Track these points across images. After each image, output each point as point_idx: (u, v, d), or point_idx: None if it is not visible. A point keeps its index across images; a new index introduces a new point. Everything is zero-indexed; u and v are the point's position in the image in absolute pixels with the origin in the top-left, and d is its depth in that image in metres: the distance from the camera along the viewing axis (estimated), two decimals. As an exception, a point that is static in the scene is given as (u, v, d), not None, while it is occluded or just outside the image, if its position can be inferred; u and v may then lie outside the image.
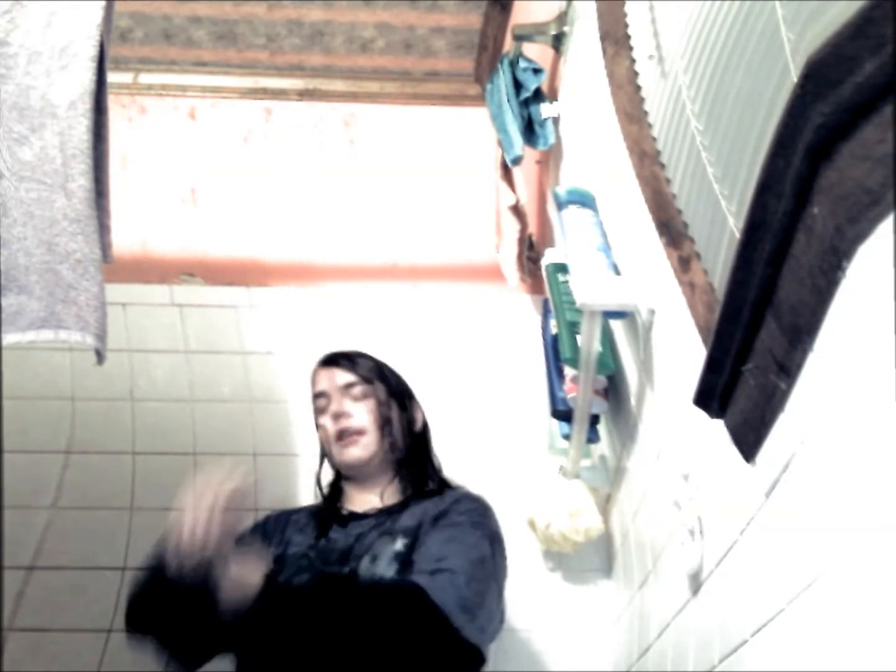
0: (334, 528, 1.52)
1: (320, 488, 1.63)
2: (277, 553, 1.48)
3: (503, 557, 1.47)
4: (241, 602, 1.24)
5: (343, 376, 1.58)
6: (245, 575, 1.25)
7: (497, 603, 1.41)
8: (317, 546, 1.49)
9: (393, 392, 1.59)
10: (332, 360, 1.61)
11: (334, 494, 1.61)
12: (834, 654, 0.75)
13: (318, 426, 1.60)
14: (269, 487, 1.88)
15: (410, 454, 1.59)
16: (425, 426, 1.65)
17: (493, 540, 1.45)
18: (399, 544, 1.42)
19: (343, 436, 1.55)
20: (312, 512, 1.59)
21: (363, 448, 1.54)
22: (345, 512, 1.56)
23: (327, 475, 1.64)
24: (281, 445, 2.06)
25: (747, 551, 1.01)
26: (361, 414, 1.55)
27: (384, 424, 1.55)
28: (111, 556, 1.92)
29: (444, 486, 1.59)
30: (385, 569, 1.39)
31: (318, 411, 1.59)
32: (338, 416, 1.55)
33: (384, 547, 1.43)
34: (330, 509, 1.57)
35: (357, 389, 1.57)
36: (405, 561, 1.39)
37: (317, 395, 1.60)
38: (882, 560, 0.67)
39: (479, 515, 1.47)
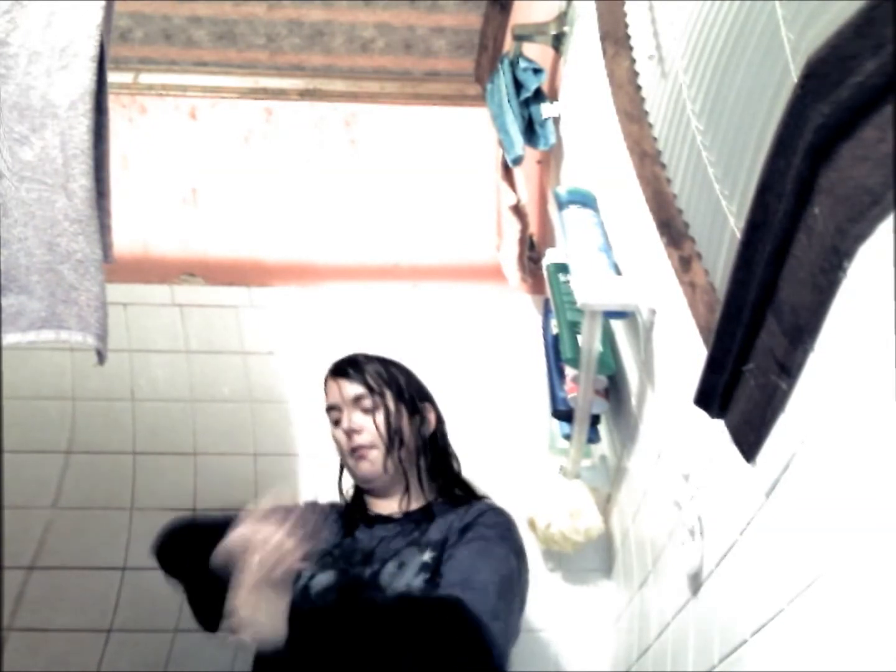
0: (360, 527, 1.53)
1: (341, 493, 1.64)
2: None
3: (527, 572, 1.47)
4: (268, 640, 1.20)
5: (352, 388, 1.58)
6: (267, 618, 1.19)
7: (518, 619, 1.40)
8: (342, 545, 1.50)
9: (402, 398, 1.59)
10: (341, 371, 1.60)
11: (359, 495, 1.62)
12: (834, 654, 0.75)
13: (333, 438, 1.61)
14: (270, 488, 1.88)
15: (425, 458, 1.60)
16: (439, 425, 1.64)
17: (519, 555, 1.44)
18: (427, 556, 1.42)
19: (355, 451, 1.56)
20: (339, 510, 1.59)
21: (374, 463, 1.55)
22: (371, 513, 1.57)
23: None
24: (281, 445, 2.06)
25: (747, 551, 1.01)
26: (371, 428, 1.55)
27: (394, 437, 1.55)
28: (111, 556, 1.92)
29: (469, 493, 1.59)
30: (411, 578, 1.39)
31: (333, 423, 1.60)
32: (349, 433, 1.56)
33: (412, 557, 1.42)
34: (356, 509, 1.58)
35: (366, 402, 1.56)
36: (433, 572, 1.39)
37: (329, 408, 1.61)
38: (882, 560, 0.67)
39: (505, 529, 1.47)
